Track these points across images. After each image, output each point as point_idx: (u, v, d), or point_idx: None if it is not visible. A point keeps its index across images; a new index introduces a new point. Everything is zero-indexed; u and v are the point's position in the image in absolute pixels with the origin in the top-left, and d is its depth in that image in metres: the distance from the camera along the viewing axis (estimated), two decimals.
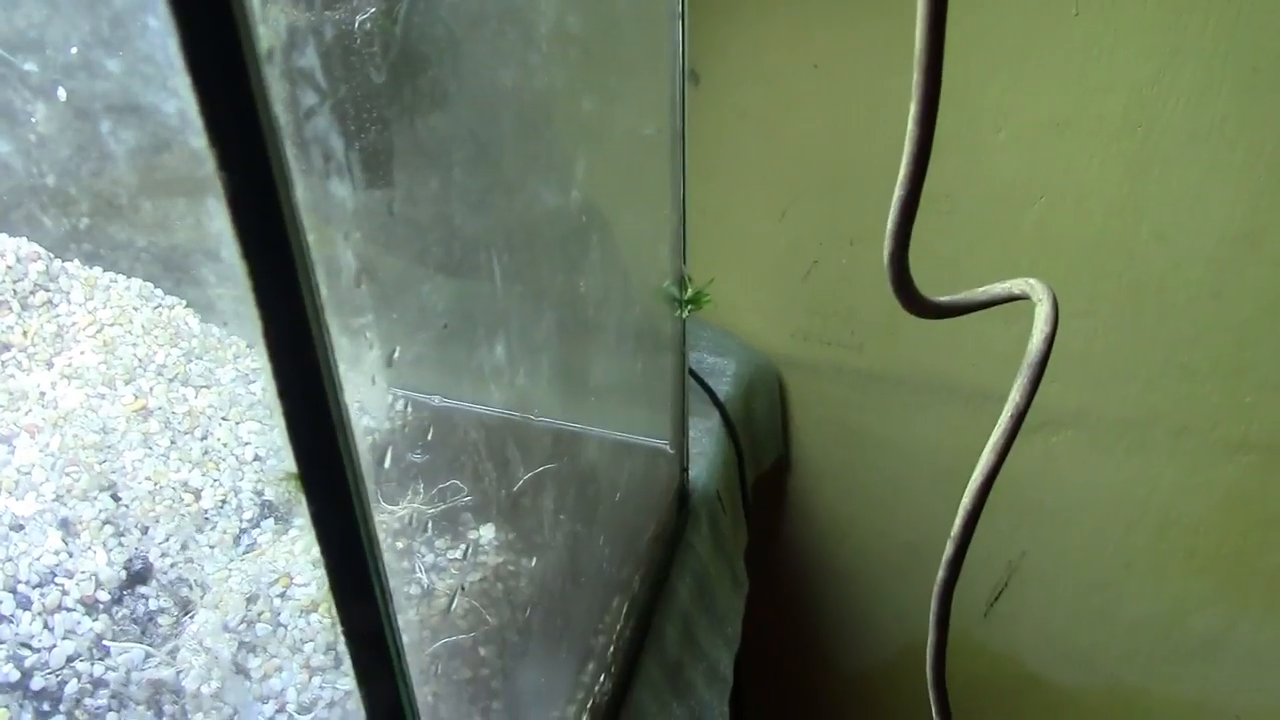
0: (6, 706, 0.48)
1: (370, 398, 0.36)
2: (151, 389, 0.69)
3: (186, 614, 0.56)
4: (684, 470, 0.96)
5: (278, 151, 0.26)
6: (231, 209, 0.25)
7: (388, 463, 0.46)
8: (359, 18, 0.35)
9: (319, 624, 0.59)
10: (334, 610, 0.34)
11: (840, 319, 1.29)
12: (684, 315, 0.86)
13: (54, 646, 0.51)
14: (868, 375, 1.31)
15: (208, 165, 0.25)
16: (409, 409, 0.60)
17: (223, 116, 0.25)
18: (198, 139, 0.24)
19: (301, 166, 0.29)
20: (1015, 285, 0.52)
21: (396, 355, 0.40)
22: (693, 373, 1.19)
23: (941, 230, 1.15)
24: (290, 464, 0.30)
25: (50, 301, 0.72)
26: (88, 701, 0.50)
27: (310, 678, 0.57)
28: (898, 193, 0.43)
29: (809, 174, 1.21)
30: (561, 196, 0.63)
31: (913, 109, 0.39)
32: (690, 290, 0.85)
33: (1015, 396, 0.49)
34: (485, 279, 0.52)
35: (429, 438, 0.58)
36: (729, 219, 1.30)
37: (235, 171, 0.25)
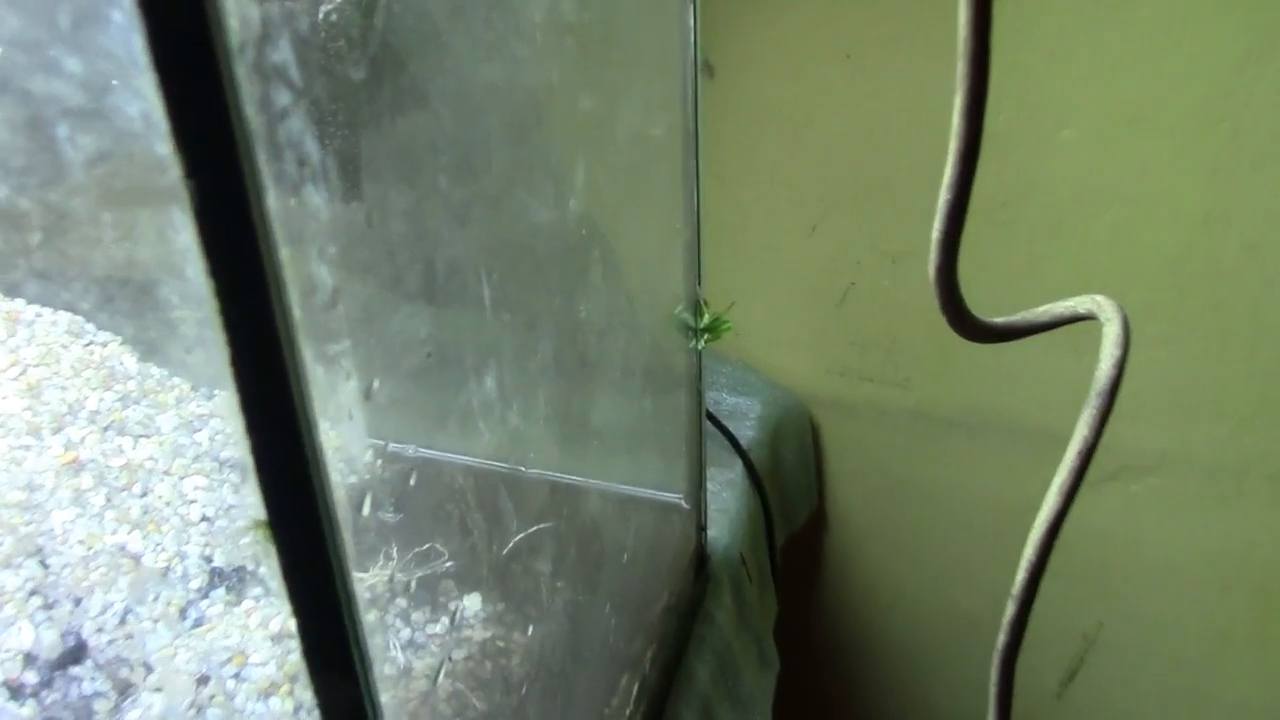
0: None
1: (348, 435, 0.37)
2: (83, 439, 0.71)
3: (127, 698, 0.57)
4: (701, 529, 0.97)
5: (250, 156, 0.28)
6: (198, 219, 0.27)
7: (361, 516, 0.47)
8: (333, 5, 0.36)
9: (280, 709, 0.60)
10: (310, 683, 0.35)
11: (882, 351, 1.31)
12: (700, 346, 0.87)
13: None
14: (915, 415, 1.32)
15: (172, 172, 0.27)
16: (380, 460, 0.61)
17: (190, 116, 0.26)
18: (162, 144, 0.26)
19: (274, 173, 0.30)
20: (1080, 303, 0.54)
21: (376, 387, 0.41)
22: (710, 415, 1.20)
23: (999, 245, 1.17)
24: (259, 510, 0.32)
25: None
26: None
27: None
28: (943, 197, 0.45)
29: (843, 180, 1.24)
30: (558, 208, 0.64)
31: (958, 100, 0.41)
32: (706, 317, 0.87)
33: (1082, 430, 0.50)
34: (472, 303, 0.54)
35: (404, 492, 0.59)
36: (751, 234, 1.32)
37: (203, 178, 0.27)
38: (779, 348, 1.35)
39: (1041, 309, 0.56)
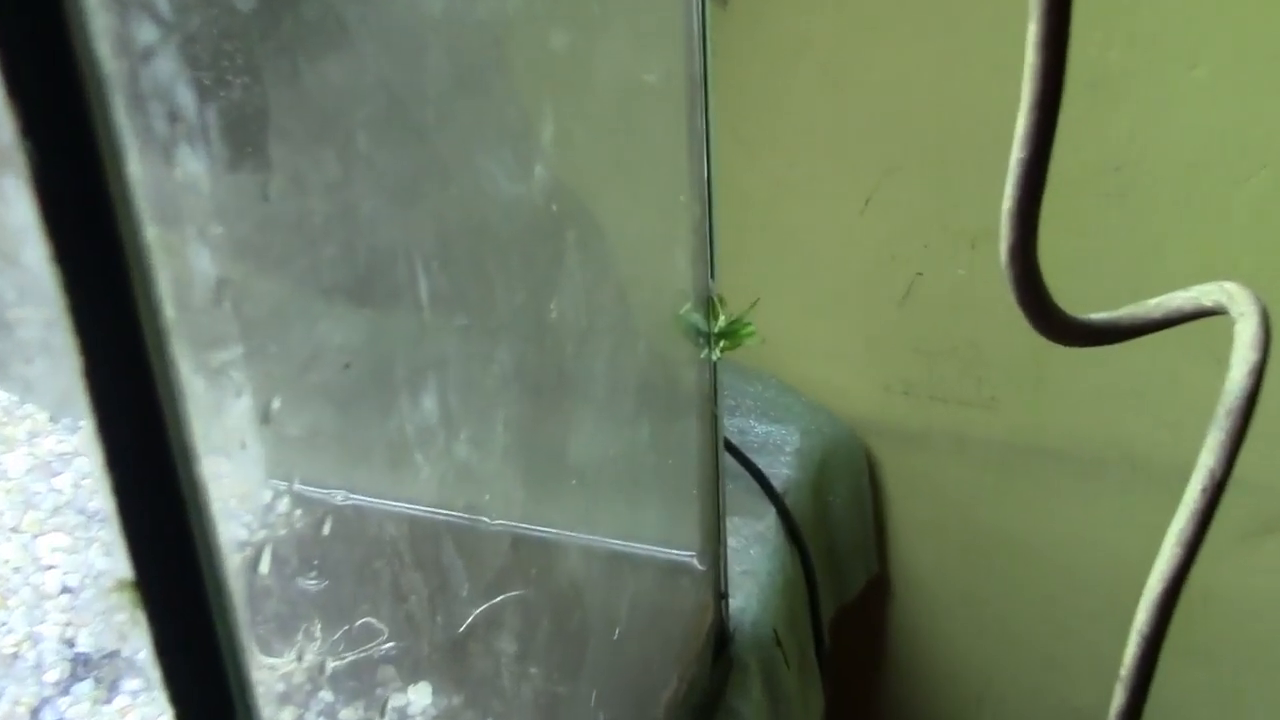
0: None
1: (241, 469, 0.38)
2: None
3: None
4: (722, 598, 0.98)
5: (104, 109, 0.29)
6: (39, 191, 0.28)
7: (259, 576, 0.48)
8: None
9: None
10: None
11: (960, 361, 1.31)
12: (714, 357, 0.88)
13: None
14: (1005, 447, 1.32)
15: (3, 130, 0.27)
16: (286, 504, 0.62)
17: (25, 57, 0.27)
18: None
19: (137, 131, 0.31)
20: (1205, 294, 0.54)
21: (277, 408, 0.42)
22: (732, 448, 1.21)
23: (1109, 220, 1.17)
24: (125, 568, 0.32)
25: None
26: None
27: None
28: (1016, 155, 0.45)
29: (905, 138, 1.24)
30: (521, 178, 0.65)
31: (1032, 28, 0.42)
32: (722, 319, 0.88)
33: (1208, 461, 0.51)
34: (406, 300, 0.55)
35: (323, 549, 0.60)
36: (782, 210, 1.34)
37: (44, 137, 0.27)
38: (822, 358, 1.36)
39: (1154, 301, 0.57)
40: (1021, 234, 0.47)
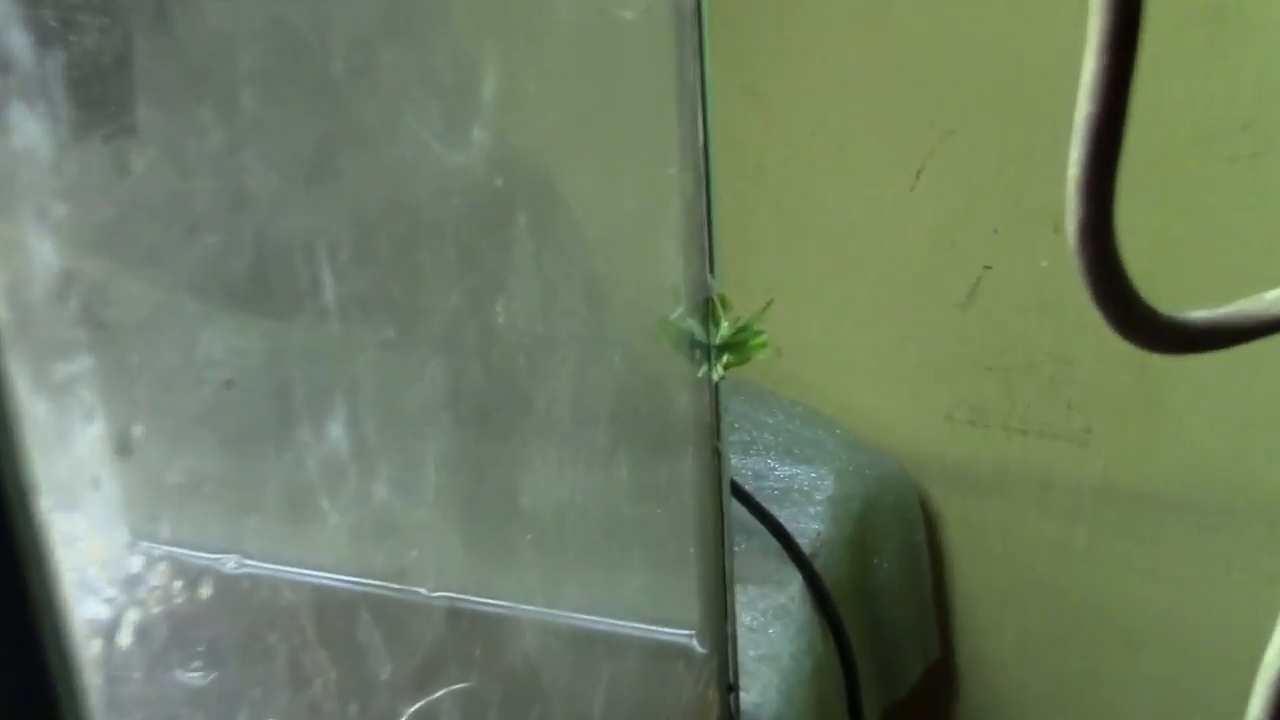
0: None
1: (93, 516, 0.39)
2: None
3: None
4: (730, 690, 0.98)
5: None
6: None
7: (116, 648, 0.49)
8: None
9: None
10: None
11: (1042, 379, 1.32)
12: (716, 377, 0.89)
13: None
14: (1103, 492, 1.33)
15: None
16: (174, 580, 0.63)
17: None
18: None
19: None
20: None
21: (139, 436, 0.43)
22: (744, 496, 1.21)
23: (1232, 193, 1.18)
24: None
25: None
26: None
27: None
28: (1084, 109, 0.47)
29: (967, 91, 1.26)
30: (457, 146, 0.67)
31: None
32: (725, 325, 0.89)
33: None
34: (310, 303, 0.56)
35: (215, 636, 0.61)
36: (806, 185, 1.36)
37: None
38: (862, 378, 1.39)
39: (1272, 295, 0.58)
40: (1092, 210, 0.48)
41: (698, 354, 0.87)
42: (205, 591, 0.62)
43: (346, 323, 0.61)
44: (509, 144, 0.71)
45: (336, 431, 0.58)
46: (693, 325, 0.87)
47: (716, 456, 0.90)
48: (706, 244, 0.84)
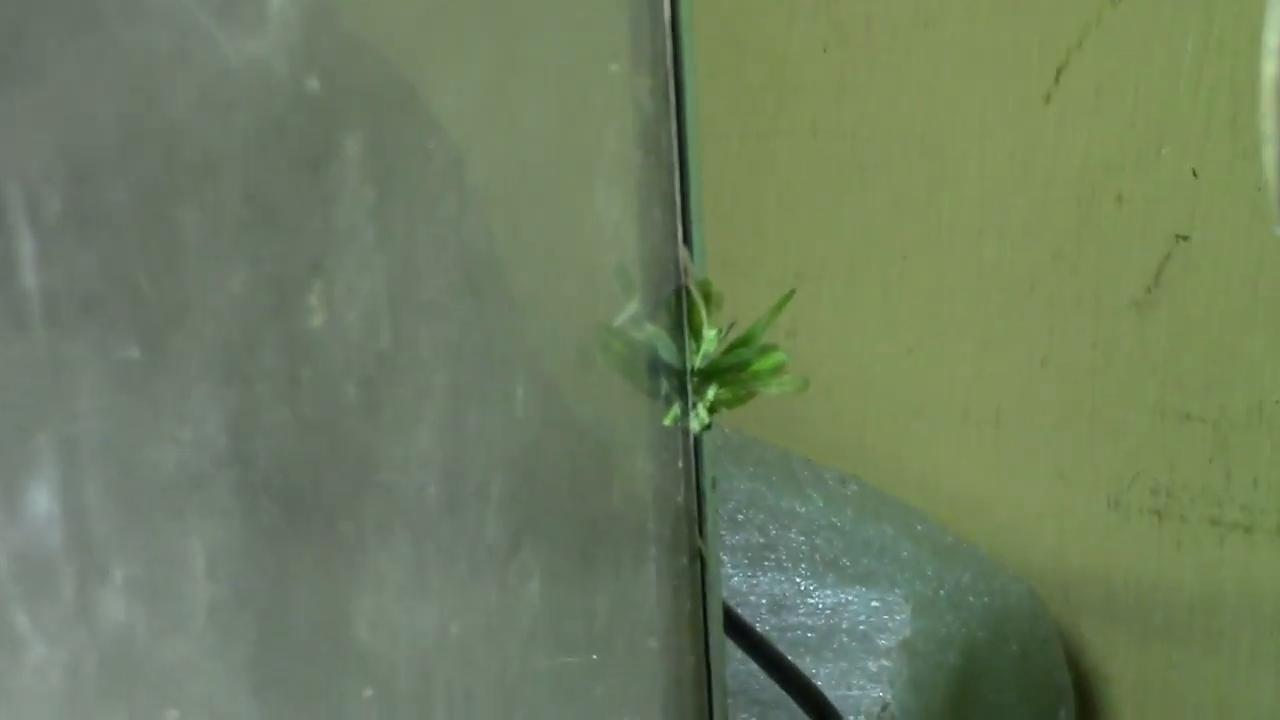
0: None
1: None
2: None
3: None
4: None
5: None
6: None
7: None
8: None
9: None
10: None
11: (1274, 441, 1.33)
12: (698, 425, 0.91)
13: None
14: None
15: None
16: None
17: None
18: None
19: None
20: None
21: None
22: (754, 638, 1.23)
23: None
24: None
25: None
26: None
27: None
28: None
29: None
30: (243, 21, 0.69)
31: None
32: (710, 334, 0.91)
33: None
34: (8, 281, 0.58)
35: None
36: (859, 96, 1.37)
37: None
38: (960, 430, 1.38)
39: None
40: None
41: (664, 385, 0.89)
42: None
43: (55, 329, 0.62)
44: (335, 21, 0.72)
45: (39, 504, 0.59)
46: (655, 335, 0.88)
47: (699, 568, 0.92)
48: (678, 195, 0.86)
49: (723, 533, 0.95)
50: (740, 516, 1.29)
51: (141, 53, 0.65)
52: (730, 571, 1.11)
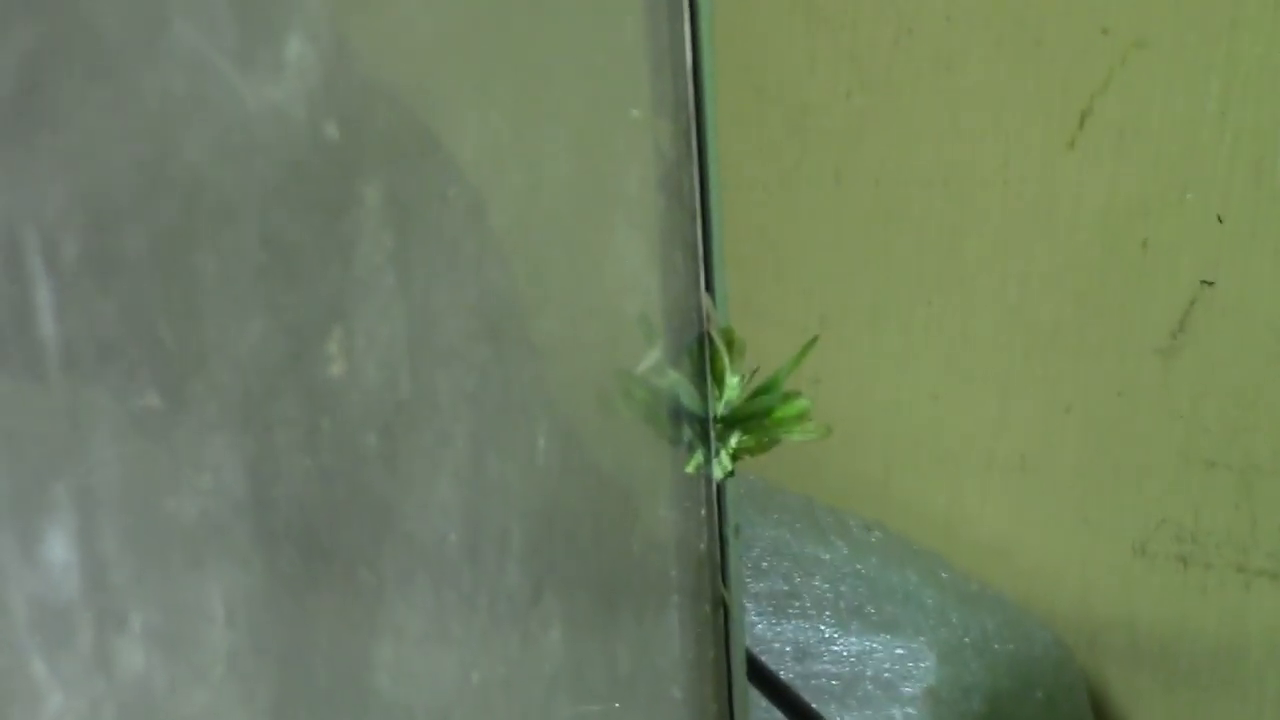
0: None
1: None
2: None
3: None
4: None
5: None
6: None
7: None
8: None
9: None
10: None
11: None
12: (720, 473, 0.91)
13: None
14: None
15: None
16: None
17: None
18: None
19: None
20: None
21: None
22: (777, 686, 1.22)
23: None
24: None
25: None
26: None
27: None
28: None
29: None
30: (262, 68, 0.68)
31: None
32: (732, 382, 0.90)
33: None
34: (4, 343, 0.57)
35: None
36: (885, 143, 1.36)
37: None
38: (985, 477, 1.38)
39: None
40: None
41: (686, 432, 0.89)
42: None
43: (73, 376, 0.62)
44: (354, 68, 0.72)
45: (56, 552, 0.59)
46: (677, 382, 0.88)
47: (722, 615, 0.92)
48: (700, 241, 0.86)
49: (747, 580, 0.94)
50: (765, 564, 1.29)
51: (159, 99, 0.64)
52: (755, 619, 1.10)
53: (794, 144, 1.34)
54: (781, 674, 1.20)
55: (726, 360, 0.88)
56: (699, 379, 0.88)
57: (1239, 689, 1.40)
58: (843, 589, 1.38)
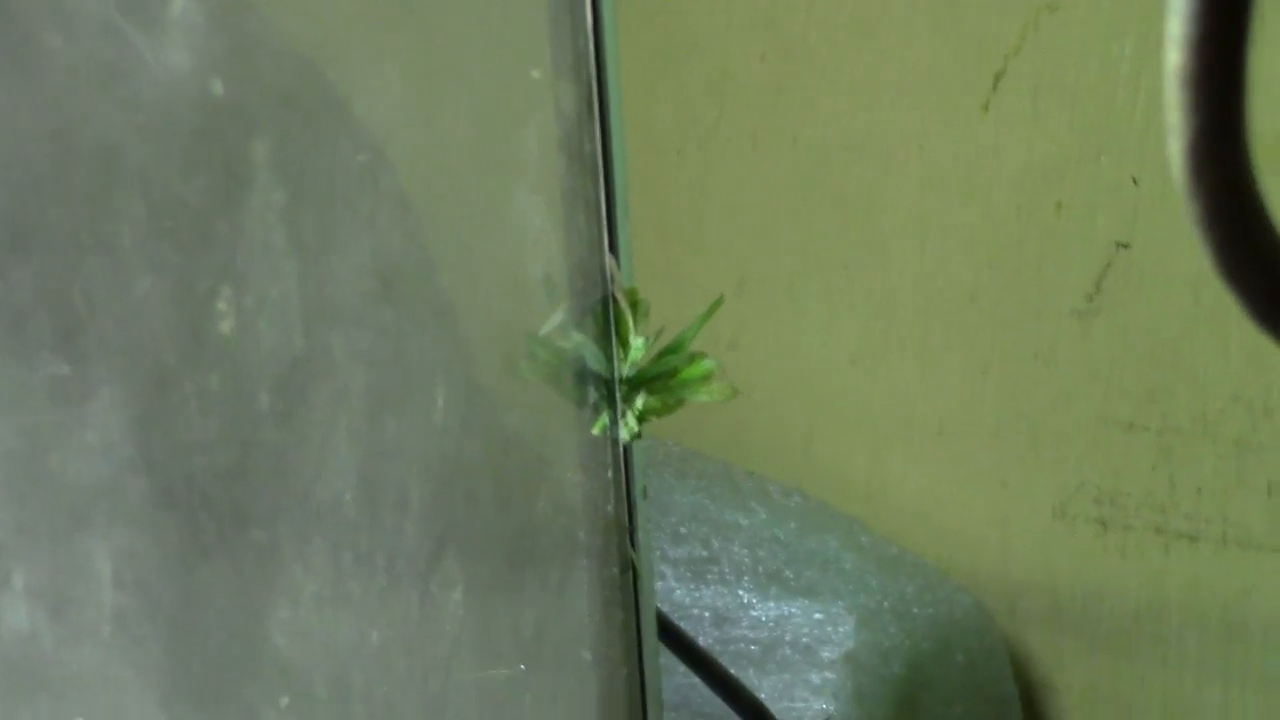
0: None
1: None
2: None
3: None
4: None
5: None
6: None
7: None
8: None
9: None
10: None
11: (1225, 445, 1.32)
12: (627, 434, 0.90)
13: None
14: None
15: None
16: None
17: None
18: None
19: None
20: None
21: None
22: (694, 652, 1.22)
23: None
24: None
25: None
26: None
27: None
28: None
29: None
30: (147, 22, 0.68)
31: None
32: (637, 343, 0.90)
33: None
34: None
35: None
36: (801, 102, 1.38)
37: None
38: (905, 440, 1.39)
39: None
40: (1210, 115, 0.50)
41: (592, 394, 0.88)
42: None
43: None
44: (244, 24, 0.72)
45: None
46: (582, 344, 0.88)
47: (631, 579, 0.91)
48: (603, 201, 0.85)
49: (665, 546, 0.94)
50: (683, 529, 1.28)
51: (39, 55, 0.64)
52: (673, 585, 1.10)
53: (711, 106, 1.34)
54: (700, 639, 1.20)
55: (631, 321, 0.87)
56: (604, 340, 0.87)
57: (1159, 650, 1.41)
58: (761, 554, 1.37)
